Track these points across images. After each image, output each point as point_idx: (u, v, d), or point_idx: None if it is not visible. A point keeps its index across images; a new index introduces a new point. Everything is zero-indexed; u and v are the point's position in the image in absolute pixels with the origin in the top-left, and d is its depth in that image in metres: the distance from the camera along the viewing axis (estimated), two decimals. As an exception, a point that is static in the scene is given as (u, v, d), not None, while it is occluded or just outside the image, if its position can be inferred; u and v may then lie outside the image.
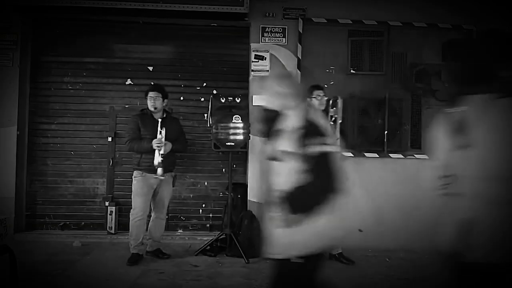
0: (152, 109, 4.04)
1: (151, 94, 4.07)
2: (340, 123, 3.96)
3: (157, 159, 3.91)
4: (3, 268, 2.44)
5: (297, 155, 1.97)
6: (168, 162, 4.05)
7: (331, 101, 4.02)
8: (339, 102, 3.99)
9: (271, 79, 2.28)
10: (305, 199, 1.97)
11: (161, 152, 3.92)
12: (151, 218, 4.19)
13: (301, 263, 1.98)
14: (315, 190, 1.95)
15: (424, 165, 4.81)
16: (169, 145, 4.01)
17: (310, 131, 1.99)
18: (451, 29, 5.01)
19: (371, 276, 3.83)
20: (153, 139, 3.95)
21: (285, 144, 2.03)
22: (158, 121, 3.99)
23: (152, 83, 4.66)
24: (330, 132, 2.06)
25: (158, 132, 3.96)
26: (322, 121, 2.09)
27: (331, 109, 4.01)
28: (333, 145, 2.00)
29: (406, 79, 5.00)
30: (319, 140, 1.96)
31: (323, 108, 4.01)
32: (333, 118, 3.98)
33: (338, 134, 3.89)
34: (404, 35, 5.00)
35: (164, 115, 4.13)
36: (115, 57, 5.08)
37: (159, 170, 3.90)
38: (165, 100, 4.13)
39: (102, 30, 5.04)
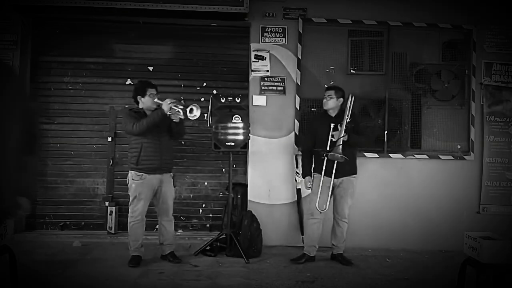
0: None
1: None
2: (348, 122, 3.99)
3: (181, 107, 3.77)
4: (3, 268, 2.44)
5: None
6: (168, 161, 3.98)
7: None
8: (349, 100, 4.07)
9: None
10: None
11: (180, 106, 3.76)
12: (159, 222, 4.08)
13: None
14: None
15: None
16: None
17: None
18: (451, 29, 5.00)
19: (371, 276, 3.83)
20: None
21: None
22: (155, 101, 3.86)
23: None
24: None
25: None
26: None
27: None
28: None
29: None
30: None
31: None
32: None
33: (343, 133, 3.93)
34: (404, 35, 4.99)
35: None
36: (115, 57, 5.07)
37: (194, 108, 3.74)
38: None
39: (102, 30, 5.04)
